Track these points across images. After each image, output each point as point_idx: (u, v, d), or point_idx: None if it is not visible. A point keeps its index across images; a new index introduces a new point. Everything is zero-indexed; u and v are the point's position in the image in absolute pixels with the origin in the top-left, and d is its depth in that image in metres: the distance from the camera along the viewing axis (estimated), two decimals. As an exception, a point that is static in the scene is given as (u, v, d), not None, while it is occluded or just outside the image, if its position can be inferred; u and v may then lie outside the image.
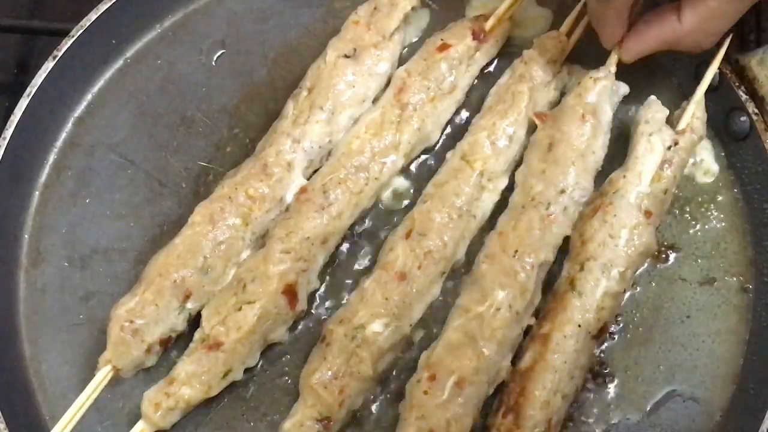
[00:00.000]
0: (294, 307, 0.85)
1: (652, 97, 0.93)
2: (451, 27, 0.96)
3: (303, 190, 0.88)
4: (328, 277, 0.90)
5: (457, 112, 0.96)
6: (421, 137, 0.92)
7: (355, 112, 0.92)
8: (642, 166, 0.88)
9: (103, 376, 0.84)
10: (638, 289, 0.90)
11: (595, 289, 0.84)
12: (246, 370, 0.85)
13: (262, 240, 0.88)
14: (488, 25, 0.95)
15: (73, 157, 0.95)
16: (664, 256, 0.92)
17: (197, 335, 0.84)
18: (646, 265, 0.91)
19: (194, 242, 0.86)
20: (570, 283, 0.85)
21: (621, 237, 0.86)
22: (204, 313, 0.85)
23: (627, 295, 0.89)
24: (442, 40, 0.94)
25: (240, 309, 0.83)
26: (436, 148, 0.95)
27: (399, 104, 0.91)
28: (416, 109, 0.91)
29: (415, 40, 0.99)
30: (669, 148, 0.89)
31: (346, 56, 0.93)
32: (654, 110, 0.91)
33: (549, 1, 0.99)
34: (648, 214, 0.87)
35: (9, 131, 0.89)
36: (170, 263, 0.85)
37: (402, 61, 0.96)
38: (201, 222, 0.87)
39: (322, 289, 0.90)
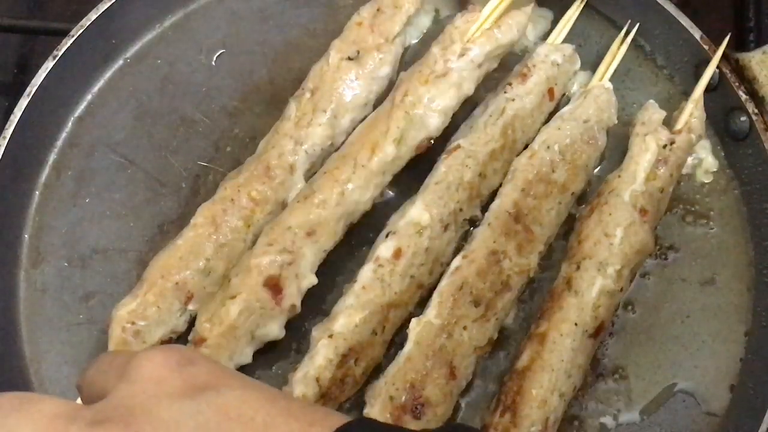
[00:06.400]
0: (280, 301, 0.84)
1: (651, 101, 0.94)
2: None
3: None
4: (325, 276, 0.89)
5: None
6: (412, 122, 0.89)
7: (357, 116, 0.92)
8: (636, 165, 0.89)
9: (104, 377, 0.84)
10: (638, 288, 0.90)
11: (591, 288, 0.84)
12: (242, 368, 0.84)
13: (259, 240, 0.88)
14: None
15: (73, 157, 0.95)
16: (664, 256, 0.92)
17: (191, 335, 0.84)
18: (645, 264, 0.91)
19: (196, 244, 0.86)
20: (567, 282, 0.85)
21: (616, 235, 0.86)
22: (198, 312, 0.85)
23: (626, 294, 0.89)
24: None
25: (224, 305, 0.83)
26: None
27: (391, 99, 0.90)
28: (407, 95, 0.89)
29: (415, 41, 0.99)
30: (665, 147, 0.90)
31: (349, 58, 0.92)
32: (651, 112, 0.92)
33: (549, 1, 0.99)
34: (644, 212, 0.87)
35: (9, 131, 0.89)
36: (172, 265, 0.85)
37: (403, 64, 0.95)
38: (203, 224, 0.86)
39: (323, 289, 0.89)
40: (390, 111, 0.89)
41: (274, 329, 0.85)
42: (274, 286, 0.83)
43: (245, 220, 0.87)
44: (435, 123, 0.90)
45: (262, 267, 0.83)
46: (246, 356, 0.85)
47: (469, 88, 0.91)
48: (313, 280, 0.87)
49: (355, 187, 0.86)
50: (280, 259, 0.84)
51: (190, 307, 0.85)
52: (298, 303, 0.86)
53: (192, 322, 0.86)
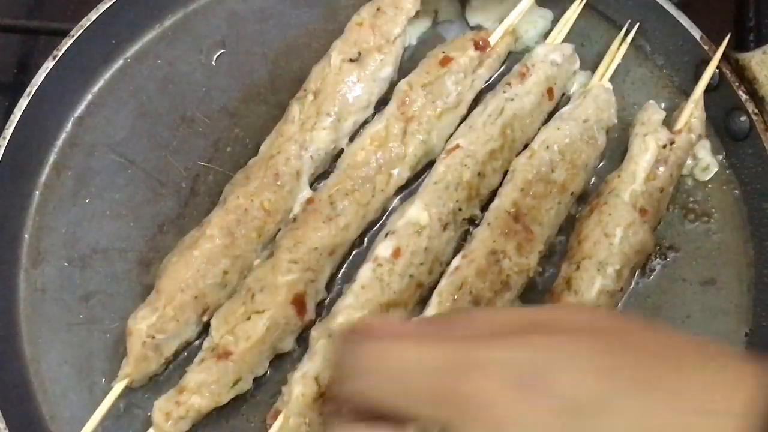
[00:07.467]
0: (303, 317, 0.85)
1: (651, 101, 0.94)
2: (454, 40, 0.95)
3: (310, 200, 0.88)
4: (335, 287, 0.90)
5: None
6: (427, 150, 0.91)
7: (359, 118, 0.92)
8: (636, 165, 0.89)
9: (120, 389, 0.83)
10: (638, 289, 0.90)
11: (590, 288, 0.84)
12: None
13: (267, 249, 0.88)
14: (493, 38, 0.94)
15: (73, 157, 0.95)
16: (664, 256, 0.92)
17: (206, 344, 0.84)
18: (645, 265, 0.91)
19: (213, 256, 0.85)
20: (566, 282, 0.85)
21: (616, 235, 0.86)
22: (213, 322, 0.84)
23: (627, 295, 0.89)
24: (444, 53, 0.93)
25: (249, 319, 0.83)
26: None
27: (403, 117, 0.90)
28: (421, 123, 0.90)
29: (414, 42, 0.99)
30: (665, 147, 0.90)
31: (351, 60, 0.92)
32: (651, 113, 0.92)
33: (549, 2, 0.99)
34: (643, 212, 0.87)
35: (9, 131, 0.89)
36: (190, 277, 0.84)
37: (402, 64, 0.95)
38: (218, 235, 0.86)
39: (329, 298, 0.89)
40: (404, 137, 0.89)
41: (291, 342, 0.86)
42: (299, 303, 0.84)
43: (258, 230, 0.87)
44: (441, 147, 0.92)
45: (290, 285, 0.84)
46: (263, 368, 0.85)
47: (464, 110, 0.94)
48: (324, 294, 0.88)
49: (373, 209, 0.89)
50: (305, 277, 0.85)
51: (204, 318, 0.86)
52: (315, 317, 0.87)
53: (200, 331, 0.86)
